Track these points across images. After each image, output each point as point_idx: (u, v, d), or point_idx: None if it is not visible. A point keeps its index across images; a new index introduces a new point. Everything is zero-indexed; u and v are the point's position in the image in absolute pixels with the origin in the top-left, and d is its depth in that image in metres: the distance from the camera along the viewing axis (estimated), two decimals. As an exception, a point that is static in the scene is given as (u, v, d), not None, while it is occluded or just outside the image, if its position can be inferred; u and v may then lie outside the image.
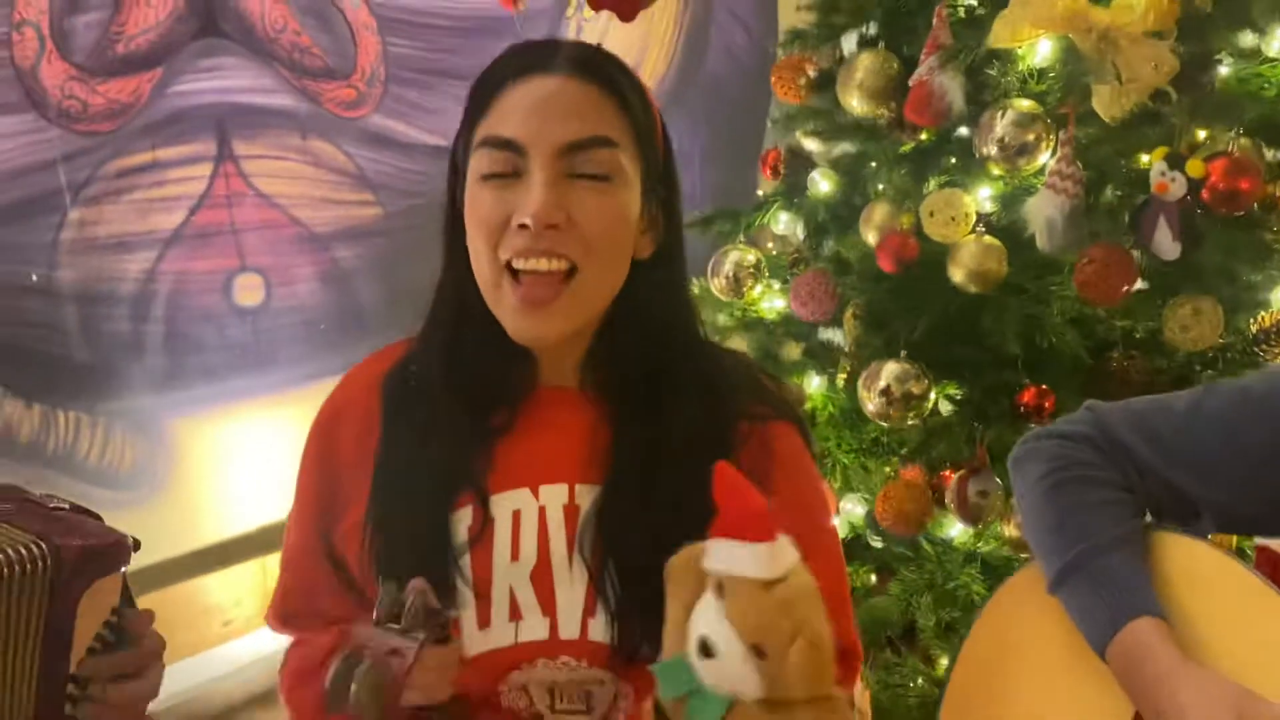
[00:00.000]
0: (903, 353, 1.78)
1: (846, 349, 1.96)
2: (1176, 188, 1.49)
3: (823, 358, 2.23)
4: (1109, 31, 1.55)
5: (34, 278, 1.98)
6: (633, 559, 1.03)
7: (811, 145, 2.16)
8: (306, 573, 1.12)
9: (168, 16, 2.04)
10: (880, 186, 1.89)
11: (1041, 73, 1.67)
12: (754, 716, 0.80)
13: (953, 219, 1.73)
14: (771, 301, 2.24)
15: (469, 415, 1.09)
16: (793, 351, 2.36)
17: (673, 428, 1.07)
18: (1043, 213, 1.62)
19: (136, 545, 1.08)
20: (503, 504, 1.06)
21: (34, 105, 1.92)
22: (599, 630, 1.03)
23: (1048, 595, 1.14)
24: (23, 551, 0.95)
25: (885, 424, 1.81)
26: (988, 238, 1.73)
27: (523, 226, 0.98)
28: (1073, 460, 1.16)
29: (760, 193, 2.28)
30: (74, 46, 1.94)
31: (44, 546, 0.97)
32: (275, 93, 2.22)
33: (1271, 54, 1.61)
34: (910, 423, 1.78)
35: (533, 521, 1.06)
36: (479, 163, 1.02)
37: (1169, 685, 0.99)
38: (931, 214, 1.75)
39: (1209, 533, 1.15)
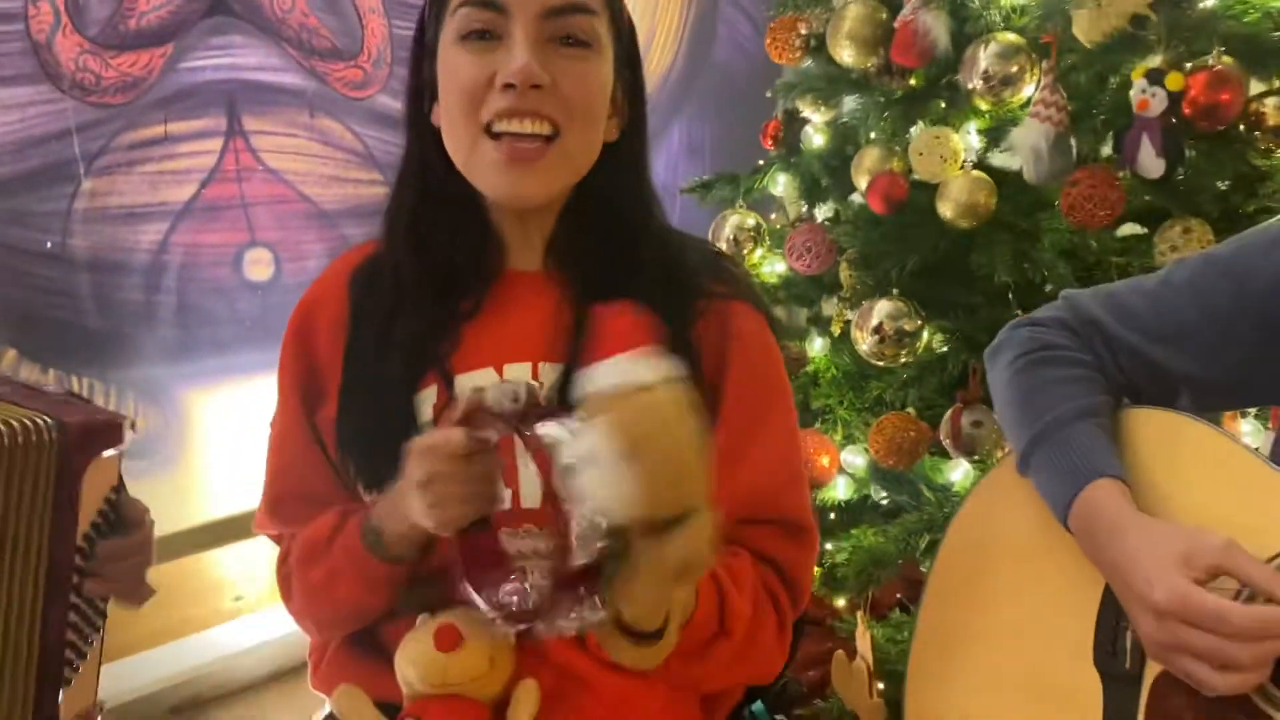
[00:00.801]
0: (894, 290, 1.78)
1: (842, 295, 1.97)
2: (1157, 103, 1.50)
3: (826, 322, 2.24)
4: (1088, -42, 1.57)
5: (49, 245, 2.03)
6: (595, 431, 1.04)
7: (808, 110, 2.18)
8: (293, 451, 1.14)
9: (178, -6, 2.12)
10: (872, 134, 1.91)
11: (1023, 9, 1.69)
12: (640, 547, 0.79)
13: (942, 158, 1.74)
14: (773, 265, 2.25)
15: (436, 299, 1.10)
16: (796, 316, 2.38)
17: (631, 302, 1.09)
18: (1028, 141, 1.62)
19: (134, 426, 1.12)
20: (467, 383, 1.08)
21: (49, 77, 1.99)
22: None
23: (1021, 481, 1.13)
24: (28, 424, 1.00)
25: (880, 363, 1.81)
26: (976, 172, 1.73)
27: (507, 86, 0.99)
28: (1043, 343, 1.16)
29: (760, 163, 2.30)
30: (88, 20, 2.01)
31: (50, 420, 1.01)
32: (284, 71, 2.29)
33: (1254, -22, 1.61)
34: (904, 360, 1.78)
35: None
36: (458, 23, 1.02)
37: (1120, 537, 0.99)
38: (921, 154, 1.76)
39: (1189, 411, 1.14)
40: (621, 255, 1.10)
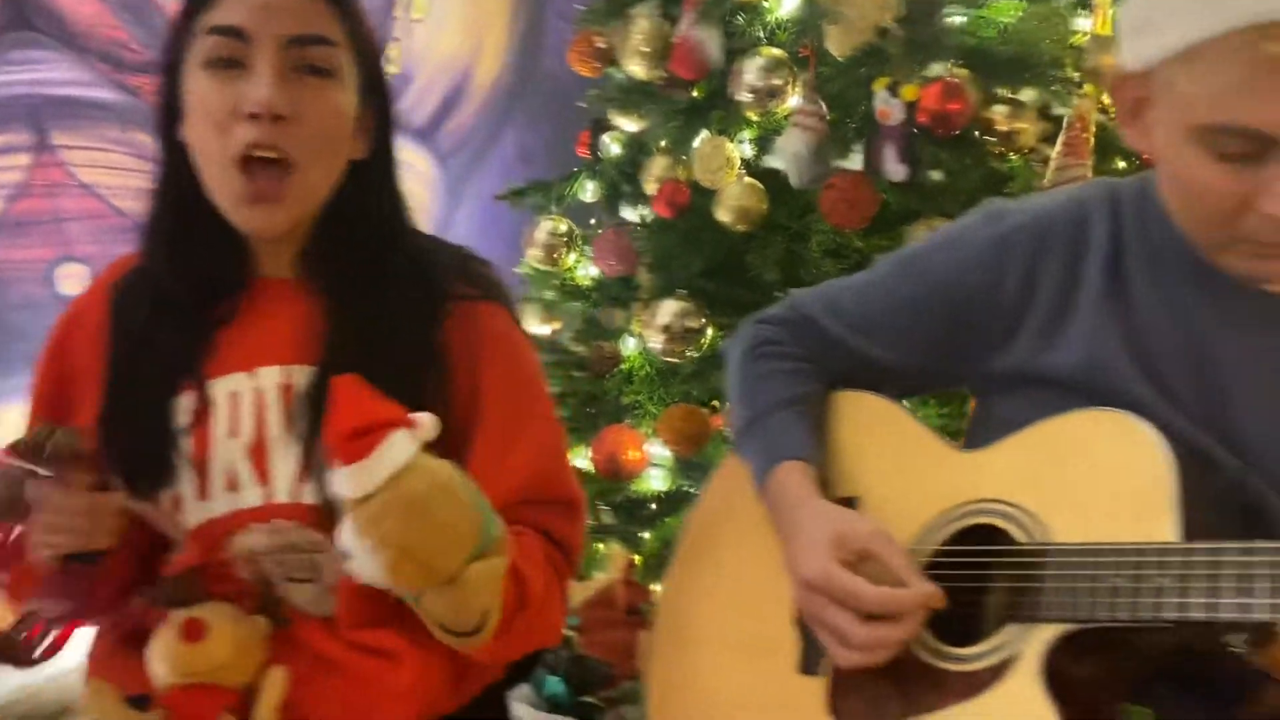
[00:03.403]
0: (680, 291, 1.89)
1: (640, 296, 2.07)
2: (896, 113, 1.63)
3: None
4: (839, -23, 1.70)
5: None
6: (343, 430, 1.11)
7: (621, 120, 2.28)
8: None
9: (-26, 10, 2.11)
10: (662, 143, 2.02)
11: (786, 24, 1.82)
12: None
13: (719, 166, 1.86)
14: (586, 269, 2.34)
15: (190, 308, 1.16)
16: (616, 318, 2.48)
17: (382, 310, 1.16)
18: (790, 149, 1.75)
19: None
20: (221, 387, 1.14)
21: None
22: (310, 494, 1.10)
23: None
24: None
25: (670, 359, 1.93)
26: (748, 179, 1.86)
27: (253, 116, 1.05)
28: (762, 339, 1.26)
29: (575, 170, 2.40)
30: (-123, 36, 2.00)
31: None
32: (94, 85, 2.29)
33: (991, -4, 1.77)
34: (690, 355, 1.89)
35: (250, 402, 1.14)
36: (203, 49, 1.07)
37: (792, 514, 1.09)
38: (701, 162, 1.88)
39: (895, 396, 1.26)
40: (370, 262, 1.17)
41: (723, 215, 1.86)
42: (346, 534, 0.88)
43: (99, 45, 2.29)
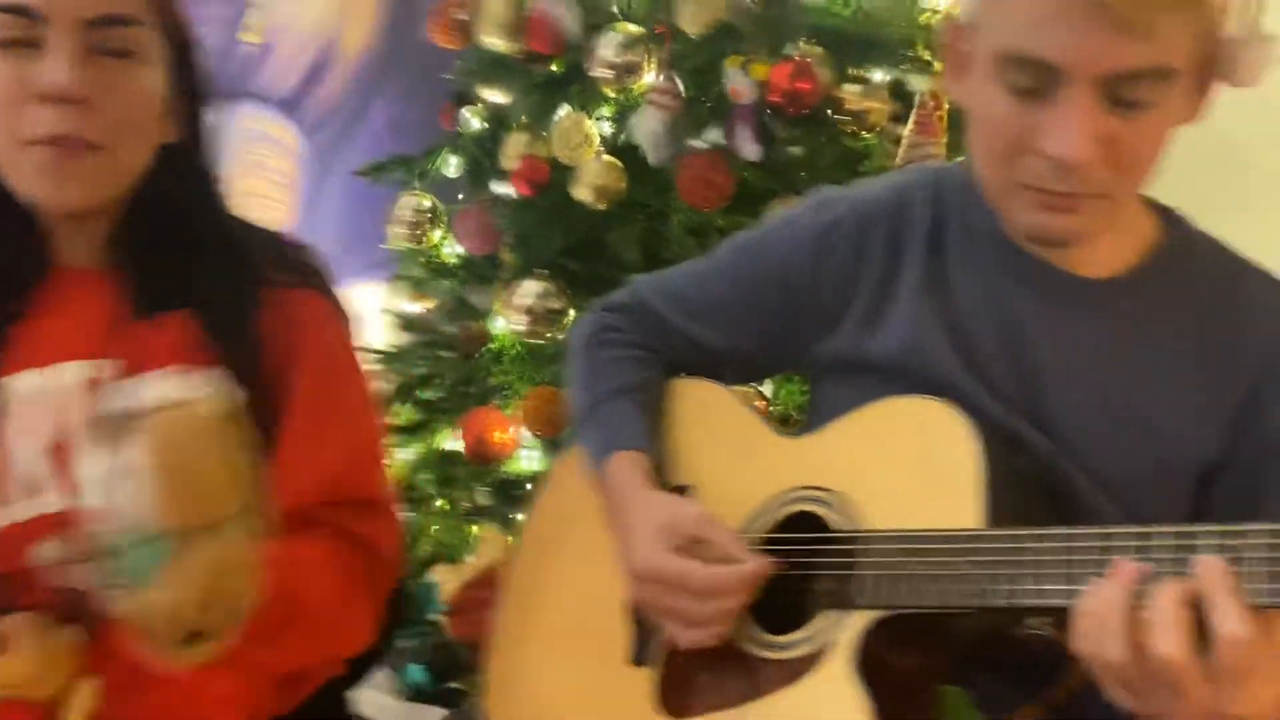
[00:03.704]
0: (541, 270, 1.87)
1: (502, 276, 2.04)
2: (748, 92, 1.62)
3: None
4: (693, -46, 1.68)
5: None
6: (153, 425, 1.06)
7: (488, 93, 2.23)
8: None
9: None
10: (523, 118, 1.98)
11: (645, -1, 1.80)
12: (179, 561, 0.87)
13: (578, 142, 1.83)
14: (453, 246, 2.30)
15: None
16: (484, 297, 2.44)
17: (191, 300, 1.11)
18: (647, 127, 1.73)
19: None
20: (17, 385, 1.08)
21: None
22: None
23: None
24: None
25: (534, 340, 1.90)
26: (607, 157, 1.83)
27: (50, 100, 0.98)
28: (603, 325, 1.25)
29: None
30: None
31: None
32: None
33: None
34: (551, 337, 1.87)
35: (49, 400, 1.08)
36: None
37: (623, 506, 1.08)
38: (559, 139, 1.85)
39: (733, 383, 1.25)
40: (180, 249, 1.12)
41: (581, 193, 1.83)
42: (122, 450, 0.84)
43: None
